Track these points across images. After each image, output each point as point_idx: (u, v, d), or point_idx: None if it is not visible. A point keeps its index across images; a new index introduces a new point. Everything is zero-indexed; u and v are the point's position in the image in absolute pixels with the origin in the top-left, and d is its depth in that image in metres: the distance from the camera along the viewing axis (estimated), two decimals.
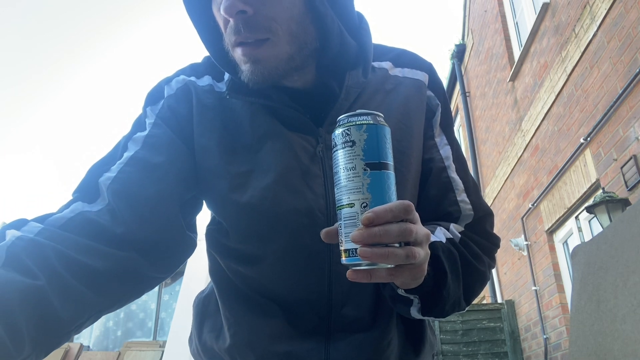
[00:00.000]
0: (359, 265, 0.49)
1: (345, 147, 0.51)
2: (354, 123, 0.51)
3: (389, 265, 0.50)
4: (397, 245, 0.48)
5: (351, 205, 0.49)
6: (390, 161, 0.51)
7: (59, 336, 0.57)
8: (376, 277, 0.50)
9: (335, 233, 0.52)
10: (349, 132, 0.51)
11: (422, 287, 0.60)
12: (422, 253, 0.50)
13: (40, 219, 0.63)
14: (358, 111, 0.53)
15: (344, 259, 0.50)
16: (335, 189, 0.52)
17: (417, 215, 0.51)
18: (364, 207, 0.49)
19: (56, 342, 0.57)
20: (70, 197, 0.68)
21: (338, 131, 0.52)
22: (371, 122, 0.51)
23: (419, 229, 0.50)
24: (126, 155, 0.70)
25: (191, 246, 0.76)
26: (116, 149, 0.73)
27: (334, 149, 0.52)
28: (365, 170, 0.50)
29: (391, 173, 0.51)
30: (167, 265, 0.72)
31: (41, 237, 0.59)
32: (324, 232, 0.52)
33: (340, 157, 0.51)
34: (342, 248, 0.50)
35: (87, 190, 0.68)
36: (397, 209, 0.48)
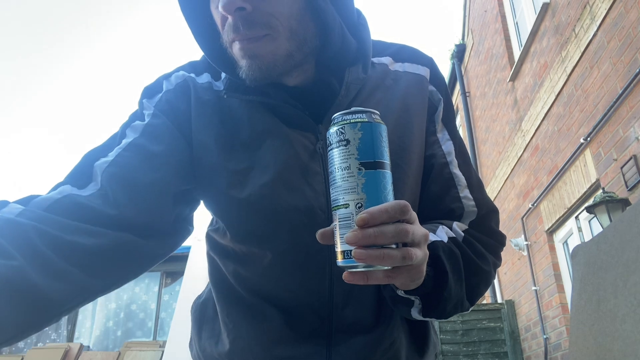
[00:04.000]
0: (355, 267, 0.48)
1: (339, 146, 0.49)
2: (348, 121, 0.50)
3: (386, 267, 0.48)
4: (393, 246, 0.47)
5: (346, 205, 0.48)
6: (386, 160, 0.50)
7: (48, 316, 0.55)
8: (373, 279, 0.49)
9: (331, 234, 0.50)
10: (343, 131, 0.50)
11: (423, 288, 0.59)
12: (420, 254, 0.49)
13: (23, 201, 0.60)
14: (353, 109, 0.51)
15: (340, 261, 0.49)
16: (331, 189, 0.51)
17: (414, 215, 0.50)
18: (359, 207, 0.47)
19: (45, 322, 0.55)
20: (61, 180, 0.66)
21: (332, 130, 0.51)
22: (366, 120, 0.50)
23: (416, 229, 0.49)
24: (125, 141, 0.69)
25: (187, 233, 0.75)
26: (114, 137, 0.72)
27: (329, 148, 0.51)
28: (359, 169, 0.48)
29: (387, 172, 0.50)
30: (163, 246, 0.71)
31: (22, 218, 0.57)
32: (319, 233, 0.51)
33: (335, 156, 0.50)
34: (338, 250, 0.49)
35: (79, 175, 0.66)
36: (392, 210, 0.47)
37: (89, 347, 6.52)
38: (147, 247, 0.67)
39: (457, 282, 0.64)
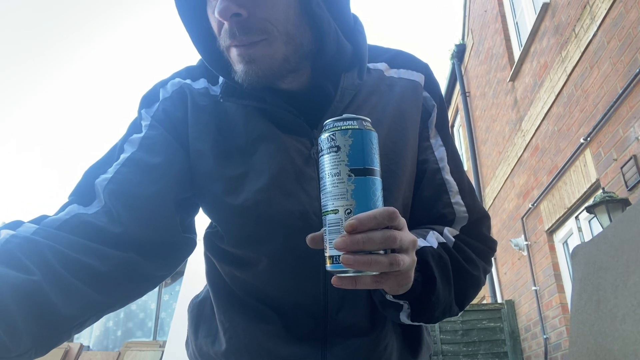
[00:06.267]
0: (344, 272, 0.49)
1: (330, 152, 0.50)
2: (339, 128, 0.50)
3: (374, 272, 0.49)
4: (381, 252, 0.48)
5: (335, 211, 0.48)
6: (376, 167, 0.50)
7: (60, 332, 0.57)
8: (361, 284, 0.49)
9: (321, 239, 0.51)
10: (334, 137, 0.50)
11: (411, 293, 0.59)
12: (408, 260, 0.50)
13: (36, 221, 0.62)
14: (344, 115, 0.52)
15: (328, 266, 0.49)
16: (321, 195, 0.51)
17: (403, 221, 0.50)
18: (348, 213, 0.48)
19: (57, 339, 0.57)
20: (66, 200, 0.68)
21: (324, 136, 0.51)
22: (357, 127, 0.50)
23: (405, 235, 0.50)
24: (123, 156, 0.70)
25: (191, 246, 0.76)
26: (112, 151, 0.72)
27: (320, 154, 0.51)
28: (349, 176, 0.49)
29: (377, 179, 0.50)
30: (167, 264, 0.72)
31: (37, 236, 0.58)
32: (309, 237, 0.52)
33: (326, 162, 0.50)
34: (326, 254, 0.49)
35: (82, 193, 0.67)
36: (381, 216, 0.47)
37: (89, 347, 6.52)
38: (150, 267, 0.68)
39: (445, 287, 0.64)
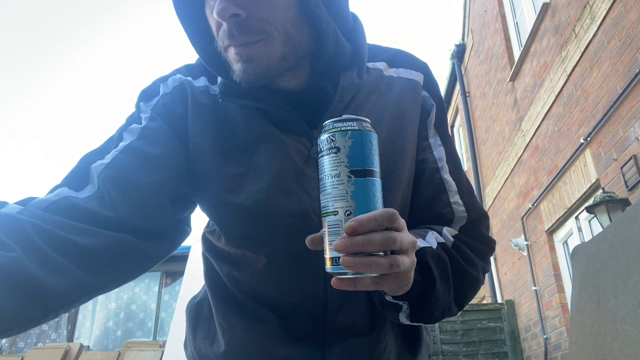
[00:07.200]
0: (344, 274, 0.49)
1: (330, 153, 0.50)
2: (338, 129, 0.50)
3: (374, 274, 0.49)
4: (381, 253, 0.47)
5: (335, 213, 0.48)
6: (376, 168, 0.50)
7: (48, 308, 0.56)
8: (361, 285, 0.49)
9: (320, 240, 0.51)
10: (333, 138, 0.50)
11: (410, 294, 0.59)
12: (407, 261, 0.50)
13: (21, 202, 0.61)
14: (344, 116, 0.52)
15: (328, 267, 0.49)
16: (321, 196, 0.51)
17: (402, 222, 0.50)
18: (348, 215, 0.48)
19: (45, 313, 0.56)
20: (58, 182, 0.67)
21: (323, 137, 0.51)
22: (356, 128, 0.50)
23: (404, 237, 0.49)
24: (122, 144, 0.70)
25: (184, 234, 0.76)
26: (111, 139, 0.72)
27: (320, 155, 0.51)
28: (349, 177, 0.49)
29: (377, 180, 0.50)
30: (161, 248, 0.71)
31: (21, 215, 0.57)
32: (308, 239, 0.52)
33: (326, 163, 0.50)
34: (327, 256, 0.49)
35: (76, 177, 0.66)
36: (380, 218, 0.47)
37: (89, 347, 6.52)
38: (144, 248, 0.67)
39: (444, 287, 0.64)
